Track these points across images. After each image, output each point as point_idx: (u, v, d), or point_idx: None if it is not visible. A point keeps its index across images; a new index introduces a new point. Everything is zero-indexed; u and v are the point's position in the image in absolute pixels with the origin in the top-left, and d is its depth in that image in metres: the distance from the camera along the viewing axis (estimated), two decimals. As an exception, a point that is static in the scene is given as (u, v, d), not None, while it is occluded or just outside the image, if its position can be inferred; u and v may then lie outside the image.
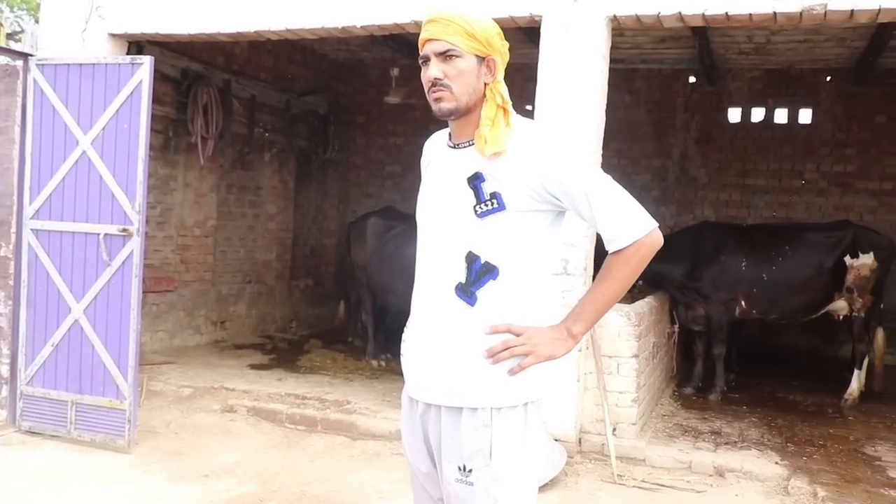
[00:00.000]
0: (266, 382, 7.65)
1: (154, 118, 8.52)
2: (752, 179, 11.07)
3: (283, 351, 9.72)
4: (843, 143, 10.80)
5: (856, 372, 8.12)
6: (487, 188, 2.39)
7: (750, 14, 5.43)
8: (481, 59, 2.41)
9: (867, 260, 8.06)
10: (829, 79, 10.78)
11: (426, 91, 2.45)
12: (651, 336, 6.69)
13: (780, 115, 11.02)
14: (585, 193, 2.34)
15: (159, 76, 8.44)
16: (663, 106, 11.29)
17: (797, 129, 10.96)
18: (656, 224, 2.40)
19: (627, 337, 5.93)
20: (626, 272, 2.40)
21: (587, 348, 6.00)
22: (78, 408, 6.13)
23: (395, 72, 11.22)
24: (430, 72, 2.41)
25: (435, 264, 2.48)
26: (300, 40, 10.41)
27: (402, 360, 2.61)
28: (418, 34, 2.55)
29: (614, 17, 5.70)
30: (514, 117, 2.45)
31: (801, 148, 10.92)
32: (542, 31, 5.85)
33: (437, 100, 2.42)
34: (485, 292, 2.39)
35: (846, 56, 10.01)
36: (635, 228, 2.36)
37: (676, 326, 7.88)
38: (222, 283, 10.17)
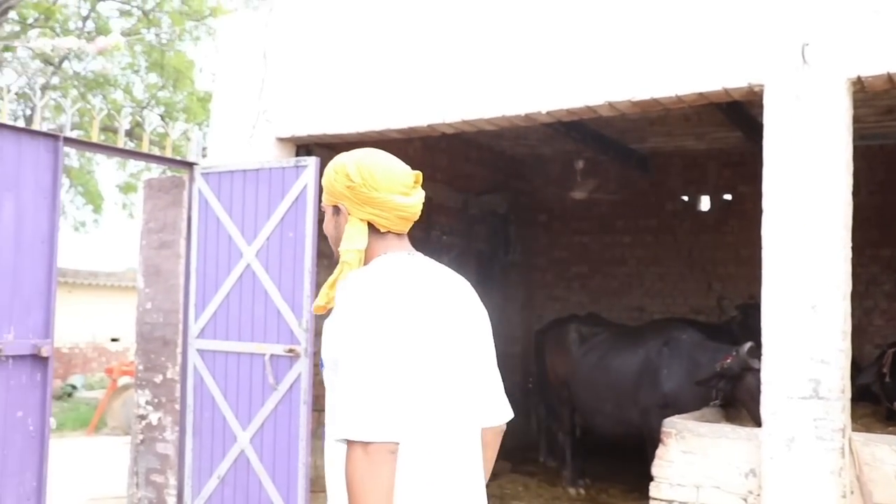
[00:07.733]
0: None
1: (327, 225, 8.10)
2: None
3: (466, 473, 8.82)
4: None
5: None
6: None
7: None
8: (335, 209, 2.30)
9: None
10: None
11: None
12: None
13: None
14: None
15: (332, 181, 8.01)
16: (888, 187, 9.89)
17: None
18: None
19: (905, 477, 4.58)
20: None
21: (851, 493, 4.57)
22: (242, 552, 5.48)
23: (579, 164, 10.40)
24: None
25: None
26: (475, 137, 9.84)
27: None
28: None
29: (857, 78, 4.66)
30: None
31: None
32: (765, 102, 4.86)
33: None
34: None
35: None
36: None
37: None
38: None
